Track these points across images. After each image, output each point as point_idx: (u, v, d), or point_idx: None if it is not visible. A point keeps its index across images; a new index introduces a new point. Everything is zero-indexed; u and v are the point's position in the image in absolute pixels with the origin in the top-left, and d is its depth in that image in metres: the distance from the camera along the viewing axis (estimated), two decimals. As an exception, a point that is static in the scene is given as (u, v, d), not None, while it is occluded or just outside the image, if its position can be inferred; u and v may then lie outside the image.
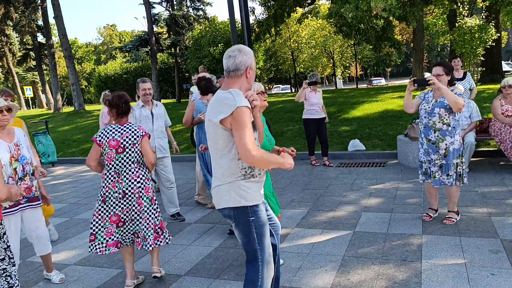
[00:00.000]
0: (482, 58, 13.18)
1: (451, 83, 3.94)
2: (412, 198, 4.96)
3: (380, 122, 9.44)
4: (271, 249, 2.36)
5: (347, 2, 11.25)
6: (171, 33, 24.53)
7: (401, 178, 5.90)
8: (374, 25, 12.55)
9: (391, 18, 12.84)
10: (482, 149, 6.77)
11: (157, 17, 24.87)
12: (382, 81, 42.16)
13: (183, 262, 3.77)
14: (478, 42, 12.63)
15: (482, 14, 14.19)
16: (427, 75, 23.24)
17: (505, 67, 27.61)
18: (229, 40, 19.97)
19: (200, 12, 26.33)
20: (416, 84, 3.89)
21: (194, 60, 20.51)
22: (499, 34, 15.71)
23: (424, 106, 3.99)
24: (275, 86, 47.10)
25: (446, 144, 3.88)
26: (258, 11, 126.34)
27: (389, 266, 3.29)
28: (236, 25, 8.31)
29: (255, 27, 18.70)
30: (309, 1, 19.27)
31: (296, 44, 33.50)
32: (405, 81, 38.77)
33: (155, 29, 24.61)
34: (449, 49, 20.94)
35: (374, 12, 10.75)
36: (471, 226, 3.94)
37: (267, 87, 44.47)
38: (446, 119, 3.87)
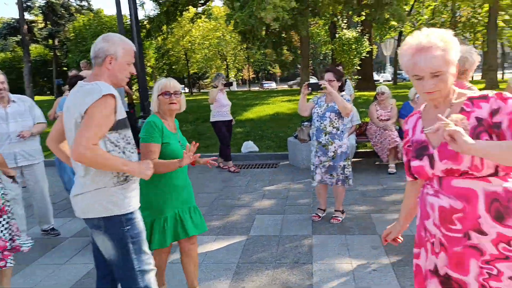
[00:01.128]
0: (358, 68, 14.55)
1: (341, 89, 4.16)
2: (303, 199, 5.13)
3: (272, 124, 9.74)
4: (152, 262, 2.12)
5: (241, 9, 11.43)
6: (48, 22, 22.09)
7: (292, 179, 6.10)
8: (273, 31, 13.00)
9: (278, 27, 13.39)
10: (361, 150, 7.40)
11: (30, 3, 22.16)
12: (273, 85, 44.10)
13: (55, 285, 3.27)
14: (355, 52, 13.93)
15: (358, 28, 15.68)
16: (313, 79, 24.96)
17: (375, 76, 31.16)
18: (116, 34, 18.72)
19: (84, 3, 24.26)
20: (310, 88, 4.01)
21: (76, 54, 18.76)
22: (371, 47, 17.60)
23: (317, 110, 4.16)
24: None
25: (335, 147, 4.07)
26: (150, 6, 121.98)
27: (283, 270, 3.30)
28: (126, 20, 7.76)
29: (146, 23, 17.87)
30: (202, 1, 19.14)
31: (189, 44, 33.06)
32: (295, 86, 41.16)
33: (28, 16, 21.87)
34: (330, 58, 22.81)
35: (266, 21, 11.07)
36: (354, 224, 4.21)
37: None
38: (336, 123, 4.07)
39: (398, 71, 28.11)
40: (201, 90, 38.20)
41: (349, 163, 4.20)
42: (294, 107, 12.23)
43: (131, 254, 1.99)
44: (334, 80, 4.01)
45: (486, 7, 18.50)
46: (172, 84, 2.57)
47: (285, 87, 40.63)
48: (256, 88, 39.36)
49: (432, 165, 1.57)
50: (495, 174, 1.48)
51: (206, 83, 42.56)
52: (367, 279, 3.08)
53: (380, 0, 14.00)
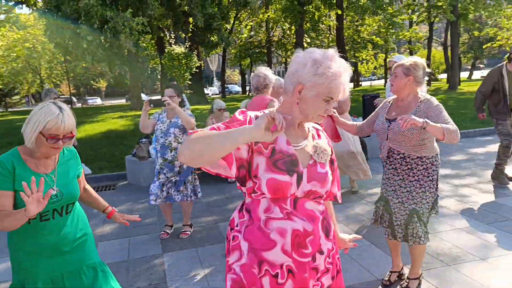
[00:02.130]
0: (189, 82, 14.91)
1: (181, 104, 4.22)
2: (149, 218, 4.97)
3: (104, 143, 9.11)
4: None
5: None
6: None
7: (134, 199, 5.83)
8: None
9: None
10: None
11: None
12: (97, 101, 41.18)
13: None
14: (185, 67, 14.25)
15: (186, 44, 16.13)
16: (144, 97, 24.34)
17: (204, 90, 32.47)
18: None
19: None
20: (152, 105, 3.95)
21: None
22: (200, 62, 18.30)
23: (160, 126, 4.11)
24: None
25: (180, 162, 4.08)
26: None
27: (137, 296, 3.13)
28: None
29: None
30: (5, 8, 16.61)
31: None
32: (121, 101, 39.33)
33: None
34: (159, 72, 22.72)
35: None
36: (204, 236, 4.30)
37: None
38: (181, 138, 4.10)
39: (226, 85, 29.94)
40: (9, 109, 32.74)
41: (196, 176, 4.28)
42: (128, 124, 11.74)
43: None
44: (175, 96, 4.04)
45: (294, 29, 21.42)
46: (66, 125, 1.81)
47: (113, 102, 38.43)
48: (79, 105, 36.02)
49: (298, 184, 1.45)
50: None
51: (15, 101, 36.84)
52: (222, 287, 3.19)
53: (208, 26, 14.78)
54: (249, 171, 1.43)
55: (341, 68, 1.41)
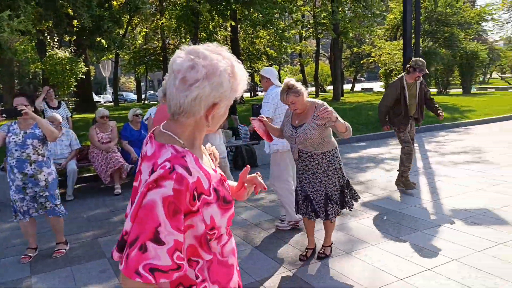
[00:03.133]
0: (75, 89, 13.89)
1: (37, 114, 3.88)
2: (16, 239, 4.49)
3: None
4: None
5: None
6: None
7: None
8: None
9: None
10: (85, 175, 7.13)
11: None
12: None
13: None
14: (69, 73, 13.24)
15: (71, 48, 15.02)
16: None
17: (96, 97, 30.50)
18: None
19: None
20: (4, 115, 3.56)
21: None
22: (88, 68, 17.17)
23: (13, 138, 3.71)
24: None
25: (45, 175, 3.78)
26: None
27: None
28: None
29: None
30: None
31: None
32: None
33: None
34: (41, 77, 20.74)
35: None
36: (81, 252, 4.04)
37: None
38: (41, 150, 3.77)
39: (119, 92, 28.53)
40: None
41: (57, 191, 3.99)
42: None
43: None
44: (27, 105, 3.64)
45: (188, 38, 21.41)
46: None
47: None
48: None
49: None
50: None
51: None
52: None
53: (97, 28, 13.94)
54: None
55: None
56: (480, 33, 32.06)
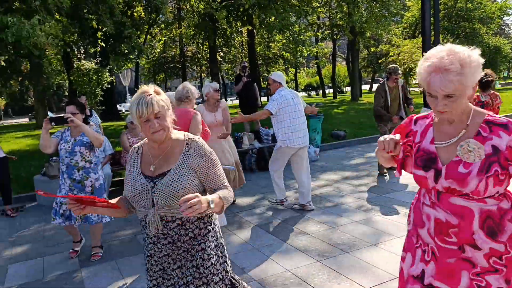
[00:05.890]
0: (101, 98, 14.42)
1: (86, 121, 4.04)
2: (66, 237, 4.82)
3: (9, 164, 8.45)
4: None
5: None
6: None
7: (45, 220, 5.59)
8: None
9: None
10: (117, 179, 7.49)
11: None
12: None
13: None
14: (96, 83, 13.78)
15: (97, 59, 15.60)
16: (50, 113, 22.69)
17: (118, 107, 31.29)
18: None
19: None
20: (53, 123, 3.73)
21: None
22: (112, 78, 17.76)
23: (64, 145, 3.91)
24: None
25: (91, 181, 3.97)
26: None
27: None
28: None
29: None
30: None
31: None
32: (24, 120, 36.18)
33: None
34: (67, 89, 21.51)
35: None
36: (122, 249, 4.34)
37: None
38: (88, 157, 3.95)
39: (140, 101, 29.09)
40: None
41: (105, 196, 4.23)
42: (35, 143, 11.03)
43: None
44: (77, 113, 3.87)
45: (207, 44, 21.83)
46: None
47: (13, 122, 35.15)
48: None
49: (436, 180, 1.55)
50: (492, 196, 1.52)
51: None
52: (143, 292, 3.31)
53: (118, 34, 14.42)
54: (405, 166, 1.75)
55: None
56: (503, 27, 31.50)
